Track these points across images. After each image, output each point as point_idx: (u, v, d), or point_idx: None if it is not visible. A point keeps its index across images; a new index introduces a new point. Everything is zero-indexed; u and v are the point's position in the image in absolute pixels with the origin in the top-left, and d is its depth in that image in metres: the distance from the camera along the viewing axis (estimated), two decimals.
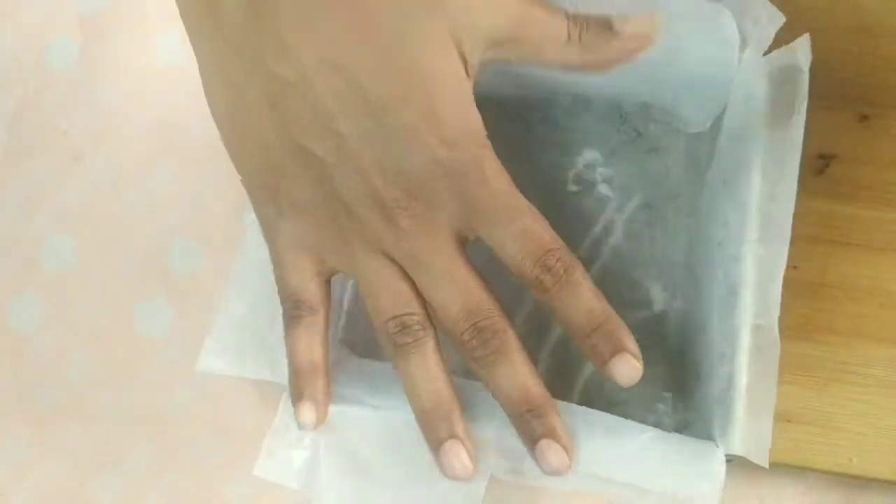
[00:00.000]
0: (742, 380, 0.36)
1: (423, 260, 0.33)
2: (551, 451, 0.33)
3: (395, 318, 0.34)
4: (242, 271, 0.39)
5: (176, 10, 0.51)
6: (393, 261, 0.34)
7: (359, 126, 0.31)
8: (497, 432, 0.35)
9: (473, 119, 0.33)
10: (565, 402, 0.36)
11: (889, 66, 0.44)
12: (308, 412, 0.35)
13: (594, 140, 0.43)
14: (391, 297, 0.34)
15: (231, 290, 0.39)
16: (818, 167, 0.43)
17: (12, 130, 0.50)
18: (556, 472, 0.33)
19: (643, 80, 0.40)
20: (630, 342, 0.33)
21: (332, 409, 0.36)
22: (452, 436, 0.34)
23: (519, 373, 0.33)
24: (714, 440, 0.36)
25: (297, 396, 0.35)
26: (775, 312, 0.37)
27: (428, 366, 0.34)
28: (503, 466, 0.35)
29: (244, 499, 0.45)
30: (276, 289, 0.37)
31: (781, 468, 0.41)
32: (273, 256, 0.36)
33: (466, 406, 0.36)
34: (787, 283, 0.42)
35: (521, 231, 0.32)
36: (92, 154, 0.49)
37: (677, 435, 0.36)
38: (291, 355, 0.36)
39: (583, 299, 0.32)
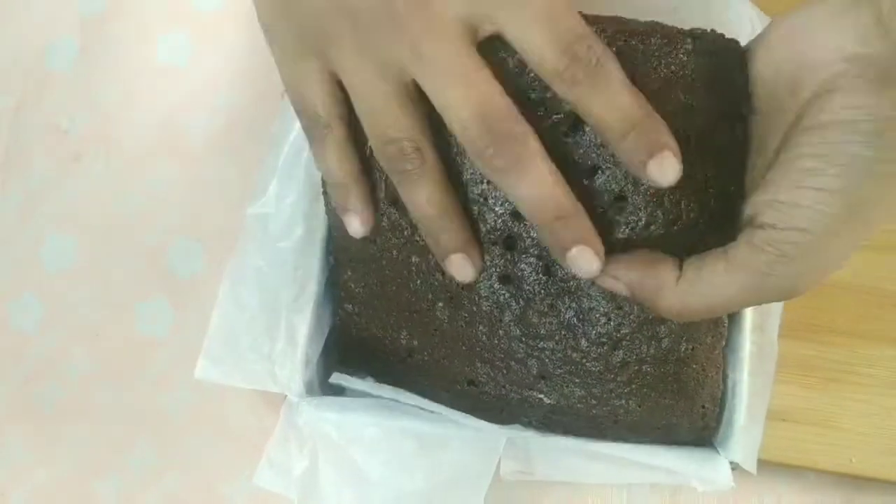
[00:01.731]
0: (744, 388, 0.36)
1: (428, 55, 0.28)
2: (583, 258, 0.29)
3: (391, 141, 0.30)
4: (238, 277, 0.38)
5: (175, 10, 0.51)
6: (394, 74, 0.29)
7: None
8: (503, 435, 0.35)
9: None
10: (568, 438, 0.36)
11: None
12: (354, 223, 0.34)
13: None
14: (388, 116, 0.30)
15: (227, 297, 0.38)
16: None
17: (13, 130, 0.50)
18: (589, 275, 0.30)
19: None
20: (671, 139, 0.28)
21: (333, 419, 0.36)
22: (456, 250, 0.32)
23: (543, 180, 0.29)
24: (714, 447, 0.36)
25: (341, 211, 0.34)
26: (776, 317, 0.37)
27: (430, 192, 0.31)
28: (511, 468, 0.35)
29: (244, 499, 0.45)
30: (273, 296, 0.37)
31: (781, 468, 0.41)
32: (282, 73, 0.32)
33: (472, 412, 0.36)
34: None
35: (543, 12, 0.27)
36: (92, 154, 0.49)
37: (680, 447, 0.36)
38: (325, 174, 0.34)
39: (617, 95, 0.27)
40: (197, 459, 0.45)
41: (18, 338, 0.47)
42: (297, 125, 0.37)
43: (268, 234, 0.38)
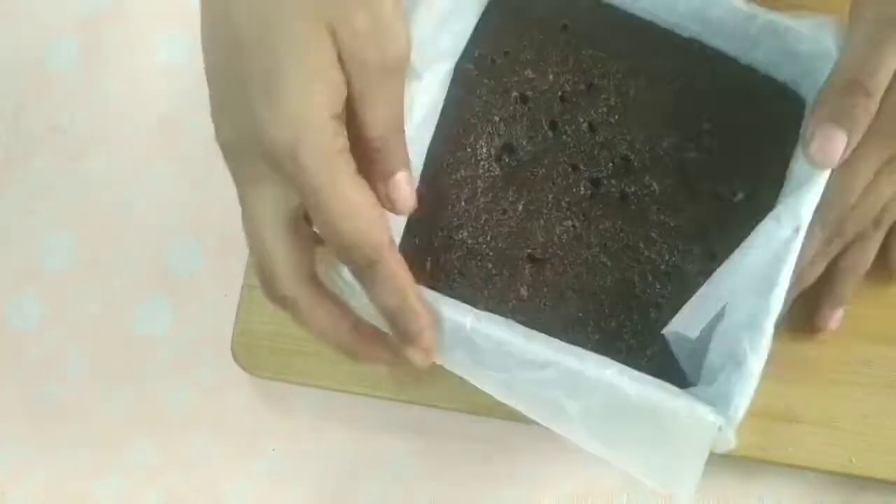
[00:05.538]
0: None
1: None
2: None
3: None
4: None
5: (175, 10, 0.51)
6: None
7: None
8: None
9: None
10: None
11: None
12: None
13: None
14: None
15: None
16: None
17: (12, 130, 0.50)
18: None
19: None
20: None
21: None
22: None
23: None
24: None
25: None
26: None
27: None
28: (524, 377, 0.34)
29: (244, 499, 0.45)
30: None
31: (781, 468, 0.41)
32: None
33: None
34: None
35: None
36: (92, 154, 0.49)
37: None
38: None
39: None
40: (197, 459, 0.45)
41: (18, 338, 0.47)
42: None
43: None
